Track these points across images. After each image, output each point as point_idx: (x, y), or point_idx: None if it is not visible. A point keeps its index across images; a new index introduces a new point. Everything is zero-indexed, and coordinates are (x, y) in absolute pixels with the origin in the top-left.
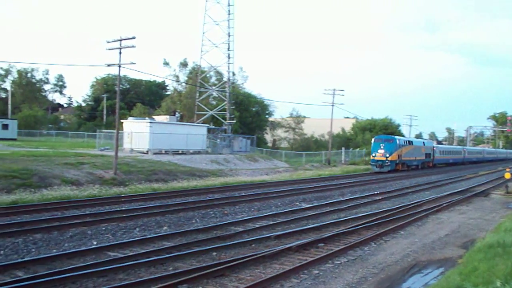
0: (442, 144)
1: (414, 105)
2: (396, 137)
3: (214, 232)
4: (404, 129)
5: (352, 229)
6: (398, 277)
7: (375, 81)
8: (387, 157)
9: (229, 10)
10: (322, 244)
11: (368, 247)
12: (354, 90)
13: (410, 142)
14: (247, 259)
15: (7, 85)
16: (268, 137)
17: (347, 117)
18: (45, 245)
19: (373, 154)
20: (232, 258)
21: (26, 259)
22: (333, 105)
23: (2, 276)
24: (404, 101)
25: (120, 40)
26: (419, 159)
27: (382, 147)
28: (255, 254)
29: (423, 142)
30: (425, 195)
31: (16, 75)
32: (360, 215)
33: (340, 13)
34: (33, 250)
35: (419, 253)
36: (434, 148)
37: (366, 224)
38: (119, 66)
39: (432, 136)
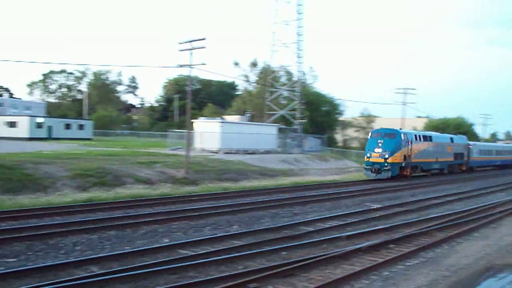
0: None
1: (489, 104)
2: (402, 130)
3: (284, 231)
4: (478, 129)
5: (423, 230)
6: (472, 281)
7: (448, 80)
8: (386, 159)
9: (298, 10)
10: (393, 245)
11: (440, 249)
12: (427, 88)
13: (428, 138)
14: (317, 259)
15: (83, 86)
16: (339, 136)
17: (419, 117)
18: (118, 241)
19: (368, 155)
20: (301, 258)
21: (100, 255)
22: (404, 104)
23: (78, 271)
24: (478, 100)
25: (191, 41)
26: (442, 161)
27: (380, 144)
28: (325, 254)
29: (451, 138)
30: (500, 196)
31: (92, 77)
32: (432, 216)
33: (410, 9)
34: (107, 246)
35: (493, 256)
36: (470, 146)
37: (438, 226)
38: (190, 67)
39: (508, 135)
